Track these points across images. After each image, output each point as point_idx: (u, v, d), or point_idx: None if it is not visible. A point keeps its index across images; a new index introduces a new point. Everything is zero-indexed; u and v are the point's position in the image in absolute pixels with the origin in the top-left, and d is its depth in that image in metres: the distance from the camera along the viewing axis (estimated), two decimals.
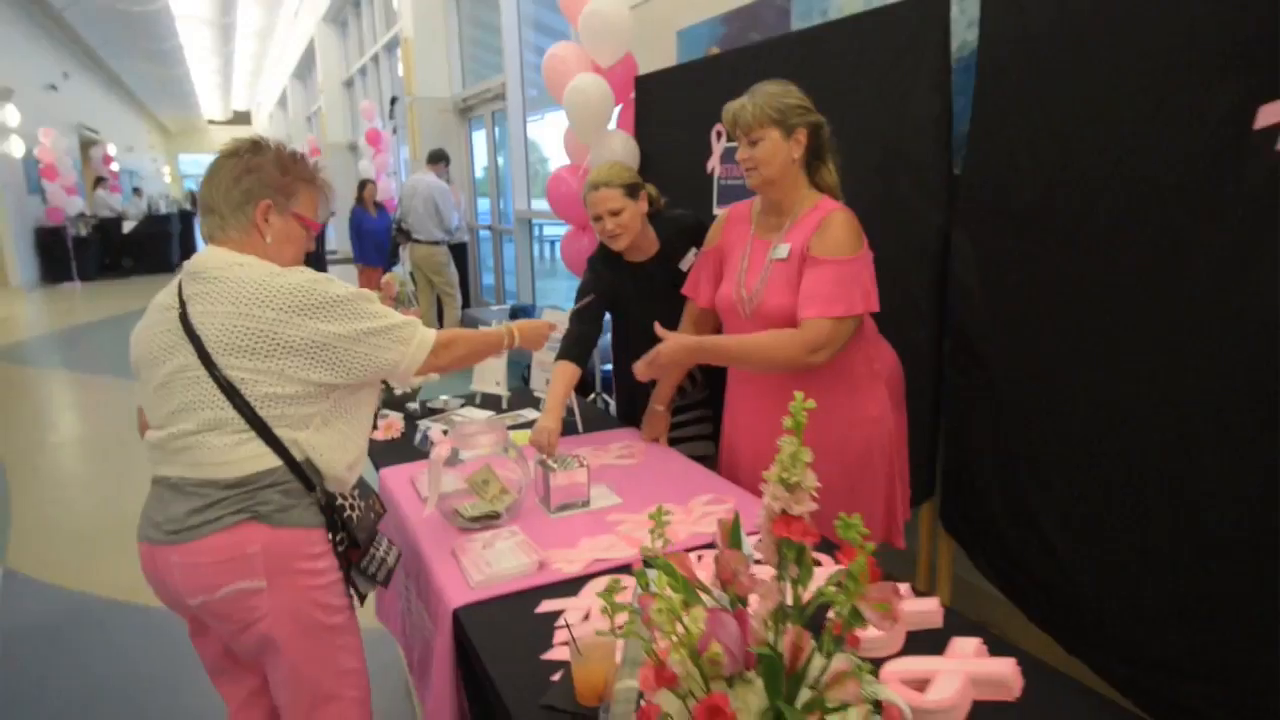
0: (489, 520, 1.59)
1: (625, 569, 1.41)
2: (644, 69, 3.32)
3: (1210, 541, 1.54)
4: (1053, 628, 1.88)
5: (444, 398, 2.48)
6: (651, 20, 3.40)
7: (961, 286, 1.99)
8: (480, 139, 7.79)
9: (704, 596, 0.76)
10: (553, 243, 11.65)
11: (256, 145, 1.32)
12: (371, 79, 10.90)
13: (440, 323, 6.17)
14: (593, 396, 4.16)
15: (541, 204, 6.54)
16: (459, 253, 6.50)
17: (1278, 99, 1.36)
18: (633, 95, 3.31)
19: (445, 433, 2.00)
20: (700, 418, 2.27)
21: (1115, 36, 1.60)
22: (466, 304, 6.48)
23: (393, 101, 8.56)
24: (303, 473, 1.25)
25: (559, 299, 8.41)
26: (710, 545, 1.49)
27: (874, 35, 2.16)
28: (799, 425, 0.71)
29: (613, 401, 4.22)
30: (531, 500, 1.70)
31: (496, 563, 1.40)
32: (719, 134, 2.84)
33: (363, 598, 1.37)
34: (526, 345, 1.67)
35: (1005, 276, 1.90)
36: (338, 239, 13.63)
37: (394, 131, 8.82)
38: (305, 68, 16.37)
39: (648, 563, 0.80)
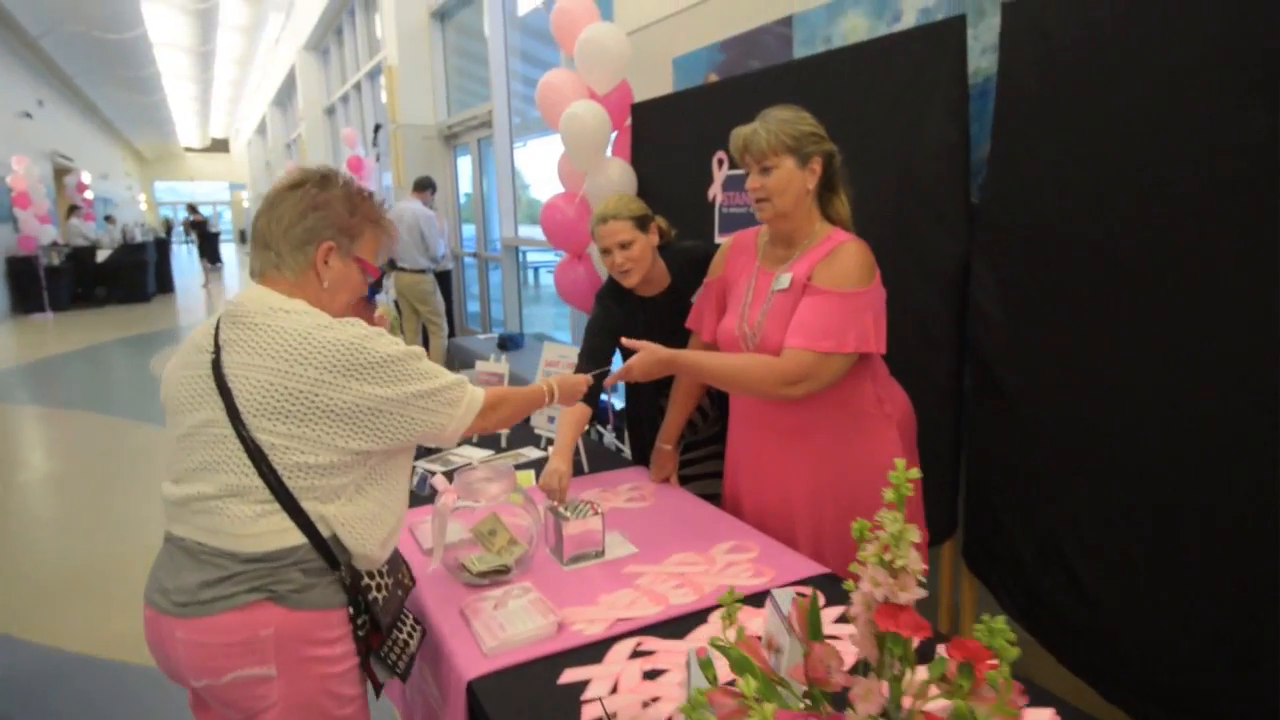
0: (498, 575, 1.48)
1: (650, 629, 1.31)
2: (639, 96, 3.27)
3: (1252, 578, 1.47)
4: (1088, 672, 1.79)
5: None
6: (648, 47, 3.35)
7: (983, 316, 1.92)
8: (465, 165, 7.72)
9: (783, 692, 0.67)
10: (537, 269, 11.63)
11: (325, 179, 1.22)
12: (354, 106, 10.83)
13: (426, 352, 6.05)
14: (587, 429, 4.06)
15: (528, 231, 6.48)
16: (444, 280, 6.40)
17: None
18: (628, 122, 3.25)
19: (448, 477, 1.88)
20: (711, 454, 2.18)
21: (1142, 60, 1.56)
22: (452, 333, 6.36)
23: (376, 129, 8.48)
24: (328, 549, 1.13)
25: (545, 327, 8.32)
26: (743, 600, 1.39)
27: (885, 62, 2.11)
28: (900, 498, 0.62)
29: (607, 432, 4.14)
30: (542, 551, 1.60)
31: (511, 625, 1.29)
32: (720, 161, 2.78)
33: (379, 689, 1.25)
34: (564, 401, 1.57)
35: (1030, 305, 1.84)
36: None
37: (377, 159, 8.73)
38: (285, 95, 16.29)
39: (716, 650, 0.69)
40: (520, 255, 6.71)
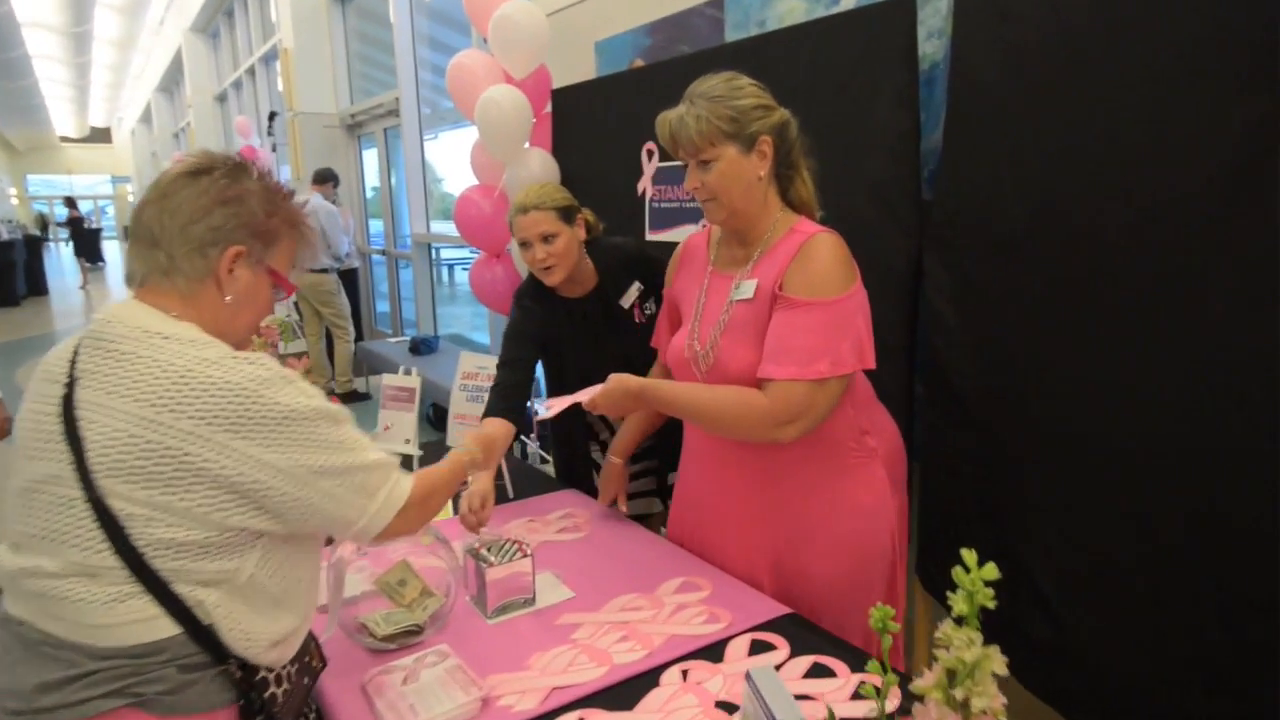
0: (408, 638, 1.25)
1: (593, 699, 1.10)
2: (559, 82, 3.04)
3: (1230, 595, 1.39)
4: (1056, 698, 1.69)
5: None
6: (568, 29, 3.12)
7: (937, 317, 1.80)
8: (371, 157, 7.30)
9: None
10: (451, 267, 11.20)
11: (238, 168, 0.97)
12: (247, 93, 10.15)
13: (330, 359, 5.63)
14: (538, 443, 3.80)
15: (440, 226, 6.14)
16: (350, 280, 5.99)
17: None
18: (548, 109, 3.02)
19: None
20: (646, 469, 1.98)
21: (1114, 46, 1.44)
22: (360, 336, 5.96)
23: (271, 117, 7.93)
24: (212, 638, 0.88)
25: (461, 328, 7.97)
26: (697, 654, 1.20)
27: (828, 45, 1.96)
28: (973, 613, 0.45)
29: (530, 443, 3.89)
30: (462, 601, 1.37)
31: (425, 707, 1.06)
32: (650, 152, 2.59)
33: None
34: (489, 465, 1.35)
35: (987, 307, 1.72)
36: None
37: (273, 149, 8.17)
38: (172, 80, 15.25)
39: None
40: (433, 252, 6.36)
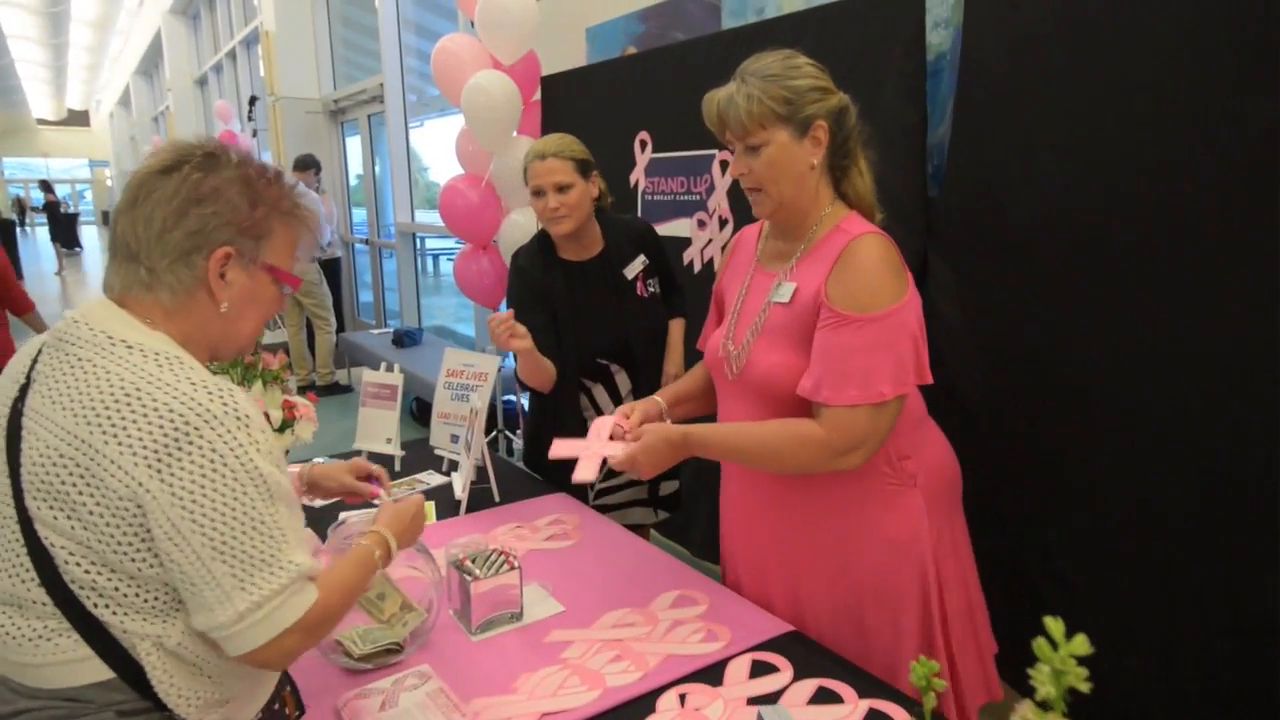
0: (387, 657, 1.17)
1: None
2: (549, 69, 2.96)
3: (1241, 605, 1.34)
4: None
5: (317, 461, 1.99)
6: (558, 15, 3.03)
7: (941, 319, 1.73)
8: (355, 145, 7.15)
9: None
10: (436, 257, 11.05)
11: (210, 157, 0.84)
12: (228, 76, 9.95)
13: (311, 349, 5.51)
14: (494, 435, 3.72)
15: (425, 216, 6.02)
16: (332, 270, 5.86)
17: None
18: (537, 97, 2.93)
19: (320, 534, 1.54)
20: (634, 480, 1.91)
21: (1131, 39, 1.38)
22: (341, 327, 5.84)
23: (252, 101, 7.76)
24: (150, 689, 0.78)
25: (446, 319, 7.86)
26: (695, 676, 1.13)
27: (832, 35, 1.88)
28: (1060, 697, 0.38)
29: (516, 439, 3.80)
30: (444, 614, 1.29)
31: None
32: (643, 143, 2.51)
33: None
34: (405, 545, 1.09)
35: (994, 308, 1.67)
36: None
37: (254, 134, 8.00)
38: (151, 63, 14.95)
39: None
40: (418, 242, 6.25)
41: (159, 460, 0.73)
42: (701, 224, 2.35)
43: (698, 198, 2.34)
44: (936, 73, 1.87)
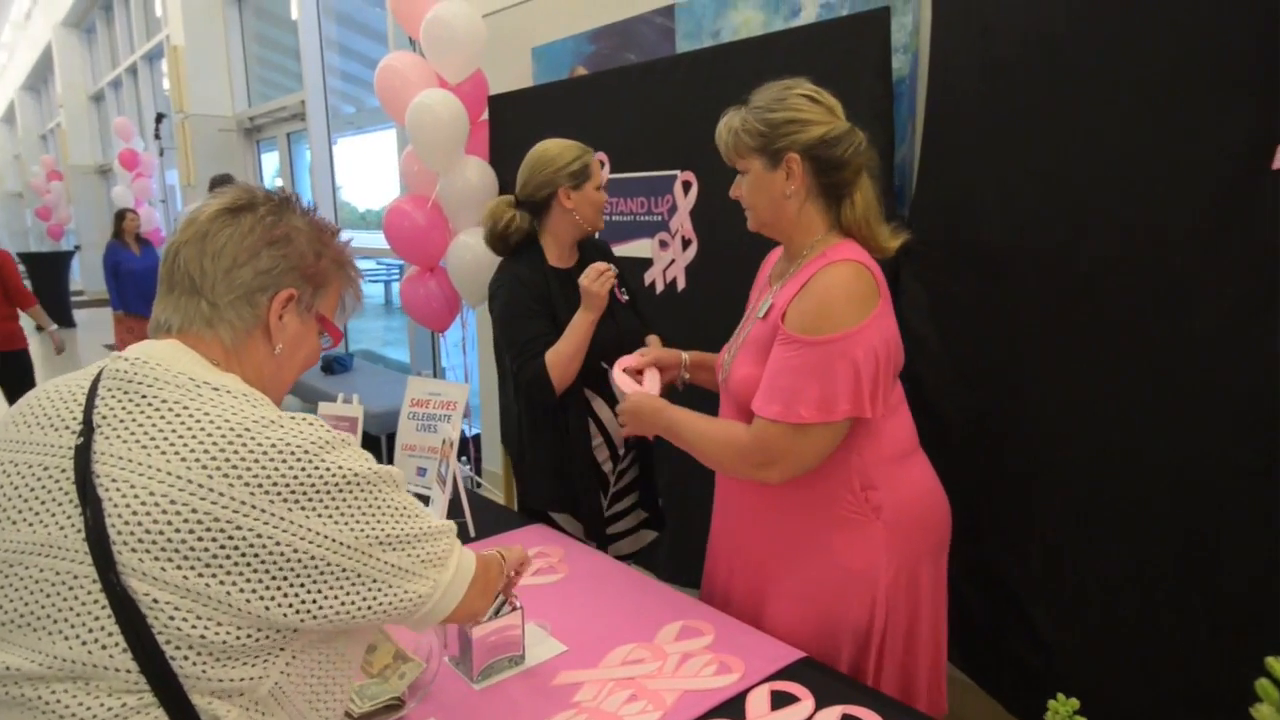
0: (389, 714, 1.09)
1: None
2: (495, 89, 2.90)
3: (1225, 618, 1.39)
4: None
5: None
6: (503, 33, 2.98)
7: (915, 337, 1.76)
8: (271, 162, 6.88)
9: None
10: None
11: (285, 203, 0.86)
12: (128, 92, 9.44)
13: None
14: (464, 461, 3.59)
15: (349, 236, 5.81)
16: None
17: None
18: (484, 117, 2.87)
19: None
20: (634, 504, 1.87)
21: (1098, 61, 1.44)
22: None
23: (159, 118, 7.37)
24: None
25: (373, 344, 7.61)
26: (716, 711, 1.10)
27: (798, 57, 1.90)
28: None
29: (465, 467, 3.68)
30: (443, 662, 1.21)
31: None
32: (601, 163, 2.48)
33: None
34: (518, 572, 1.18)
35: (967, 325, 1.70)
36: (85, 277, 11.68)
37: (160, 153, 7.60)
38: (39, 78, 14.08)
39: None
40: None
41: (296, 496, 0.72)
42: (664, 244, 2.33)
43: (659, 218, 2.33)
44: (897, 96, 1.91)
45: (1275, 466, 1.30)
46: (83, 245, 11.33)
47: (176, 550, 0.68)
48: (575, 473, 1.73)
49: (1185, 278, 1.38)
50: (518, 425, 1.81)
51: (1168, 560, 1.44)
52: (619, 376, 1.52)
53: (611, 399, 1.79)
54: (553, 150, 1.72)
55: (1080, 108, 1.47)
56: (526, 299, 1.68)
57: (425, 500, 1.80)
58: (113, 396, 0.74)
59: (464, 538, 1.68)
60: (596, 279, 1.61)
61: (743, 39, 2.09)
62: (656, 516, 1.91)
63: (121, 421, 0.72)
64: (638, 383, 1.52)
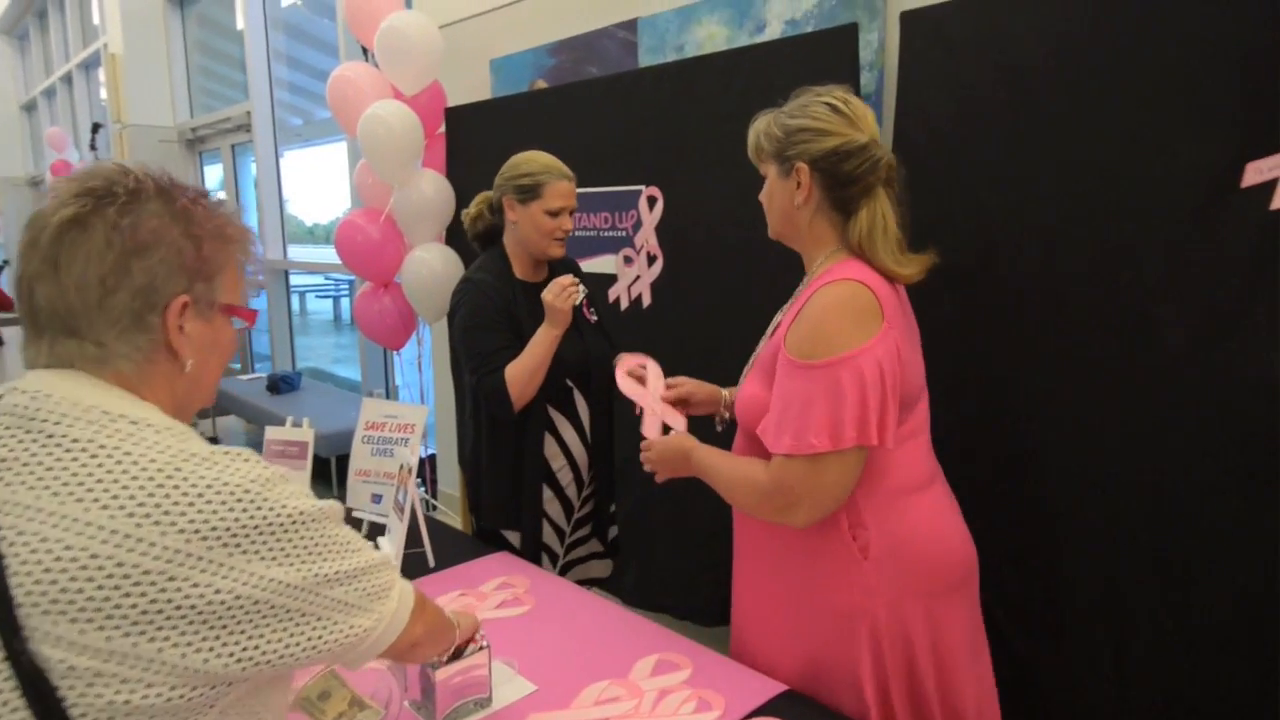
0: None
1: None
2: (453, 101, 2.83)
3: (1201, 637, 1.39)
4: None
5: None
6: (461, 45, 2.92)
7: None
8: (215, 174, 6.65)
9: None
10: (303, 294, 10.38)
11: (133, 193, 0.69)
12: (62, 102, 9.06)
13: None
14: (420, 484, 3.46)
15: (298, 252, 5.65)
16: None
17: (1273, 153, 1.24)
18: (441, 130, 2.80)
19: None
20: (593, 533, 1.82)
21: (1063, 82, 1.45)
22: None
23: (95, 128, 7.08)
24: None
25: (321, 361, 7.40)
26: None
27: (762, 72, 1.89)
28: None
29: (427, 495, 3.55)
30: (403, 708, 1.13)
31: None
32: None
33: None
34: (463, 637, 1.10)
35: (936, 345, 1.68)
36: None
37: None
38: None
39: None
40: (286, 279, 5.84)
41: (237, 539, 0.65)
42: (628, 260, 2.29)
43: (623, 233, 2.28)
44: None
45: (1248, 483, 1.31)
46: (11, 260, 10.82)
47: (99, 610, 0.59)
48: (525, 490, 1.67)
49: (1155, 296, 1.39)
50: (474, 440, 1.75)
51: (1145, 587, 1.44)
52: (623, 382, 1.41)
53: (578, 422, 1.73)
54: (522, 158, 1.68)
55: (1050, 127, 1.47)
56: (490, 310, 1.62)
57: (381, 529, 1.71)
58: (12, 436, 0.64)
59: (423, 568, 1.60)
60: (560, 294, 1.56)
61: (710, 53, 2.06)
62: (609, 549, 1.86)
63: (25, 465, 0.63)
64: (639, 383, 1.40)
